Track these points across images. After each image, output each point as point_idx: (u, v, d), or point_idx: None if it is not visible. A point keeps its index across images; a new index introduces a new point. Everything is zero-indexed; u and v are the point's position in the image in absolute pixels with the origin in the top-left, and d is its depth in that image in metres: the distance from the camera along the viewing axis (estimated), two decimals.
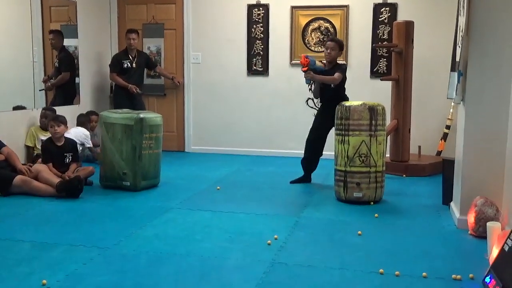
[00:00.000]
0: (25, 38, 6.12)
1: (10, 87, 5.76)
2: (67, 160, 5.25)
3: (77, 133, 6.10)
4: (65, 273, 3.00)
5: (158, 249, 3.43)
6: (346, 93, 5.23)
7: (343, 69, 5.15)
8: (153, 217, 4.16)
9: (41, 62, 6.49)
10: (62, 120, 5.26)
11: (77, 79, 6.85)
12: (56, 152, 5.21)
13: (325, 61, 5.23)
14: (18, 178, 4.75)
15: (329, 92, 5.15)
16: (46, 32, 6.50)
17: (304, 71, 5.02)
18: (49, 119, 5.37)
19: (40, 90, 6.37)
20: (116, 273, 3.05)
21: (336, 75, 5.02)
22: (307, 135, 5.42)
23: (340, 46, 5.19)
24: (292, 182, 5.41)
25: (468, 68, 3.89)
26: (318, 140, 5.33)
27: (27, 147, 5.98)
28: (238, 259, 3.28)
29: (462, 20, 4.02)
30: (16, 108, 5.99)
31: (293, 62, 6.99)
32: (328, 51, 5.15)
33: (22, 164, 5.02)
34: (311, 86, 5.18)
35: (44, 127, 5.89)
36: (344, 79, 5.16)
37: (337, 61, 5.25)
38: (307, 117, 7.05)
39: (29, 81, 6.15)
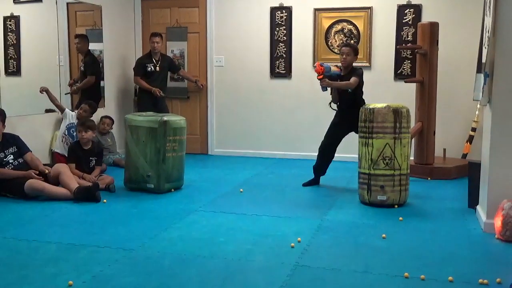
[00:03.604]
0: (51, 42, 6.23)
1: (37, 91, 5.86)
2: (92, 164, 5.32)
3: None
4: (91, 274, 3.04)
5: (182, 251, 3.45)
6: (365, 96, 5.23)
7: (359, 73, 5.12)
8: (177, 219, 4.19)
9: (67, 66, 6.61)
10: (90, 126, 5.32)
11: (102, 83, 6.94)
12: (82, 155, 5.28)
13: (341, 66, 5.23)
14: (27, 184, 4.72)
15: (346, 97, 5.17)
16: (72, 36, 6.61)
17: (319, 79, 5.03)
18: (78, 124, 5.44)
19: (66, 94, 6.47)
20: (141, 274, 3.07)
21: (352, 79, 5.03)
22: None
23: (355, 51, 5.22)
24: (304, 184, 5.43)
25: (494, 69, 3.84)
26: (330, 147, 5.35)
27: (52, 151, 6.05)
28: (262, 262, 3.28)
29: (489, 21, 3.96)
30: (48, 111, 6.09)
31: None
32: (344, 56, 5.16)
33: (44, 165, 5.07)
34: (330, 91, 5.21)
35: (78, 118, 5.91)
36: (361, 84, 5.15)
37: (353, 66, 5.24)
38: (330, 119, 7.02)
39: (55, 85, 6.26)
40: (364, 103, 5.11)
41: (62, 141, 5.90)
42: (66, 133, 5.92)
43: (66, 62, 6.59)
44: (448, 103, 6.49)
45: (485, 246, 3.65)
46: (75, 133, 5.80)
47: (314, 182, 5.46)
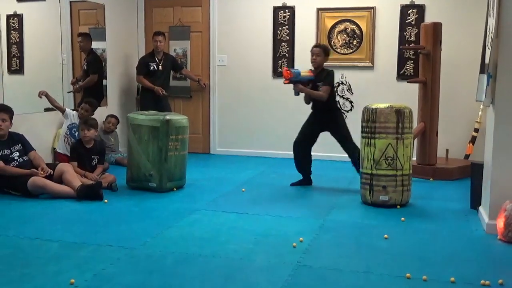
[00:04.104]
0: (54, 41, 6.24)
1: (40, 89, 5.87)
2: (94, 162, 5.33)
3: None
4: (92, 273, 3.04)
5: (184, 250, 3.45)
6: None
7: (330, 77, 5.17)
8: (179, 218, 4.19)
9: (69, 65, 6.62)
10: (92, 124, 5.33)
11: (104, 82, 6.94)
12: (84, 154, 5.29)
13: (312, 68, 5.28)
14: (30, 181, 4.73)
15: (318, 101, 5.24)
16: (75, 35, 6.62)
17: (285, 83, 5.12)
18: (81, 122, 5.44)
19: (68, 92, 6.48)
20: (142, 273, 3.07)
21: (323, 90, 5.10)
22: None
23: (325, 52, 5.24)
24: (292, 184, 5.45)
25: (498, 70, 3.83)
26: (302, 144, 5.40)
27: (54, 149, 6.05)
28: (264, 261, 3.28)
29: (492, 22, 3.95)
30: (48, 109, 6.10)
31: None
32: (314, 57, 5.21)
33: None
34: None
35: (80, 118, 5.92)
36: (332, 88, 5.21)
37: (324, 67, 5.26)
38: None
39: (58, 83, 6.27)
40: (337, 105, 5.27)
41: (64, 141, 5.90)
42: (68, 133, 5.91)
43: (69, 61, 6.60)
44: (451, 103, 6.48)
45: (487, 247, 3.64)
46: (77, 133, 5.80)
47: (303, 182, 5.47)
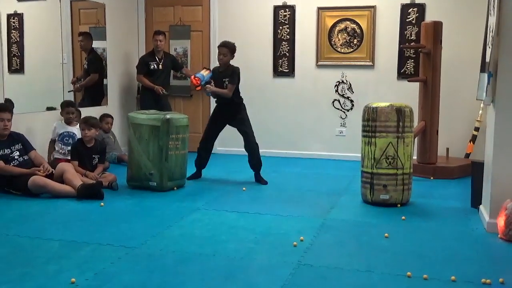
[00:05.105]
0: (55, 40, 6.24)
1: (40, 89, 5.88)
2: (94, 162, 5.33)
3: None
4: (93, 272, 3.04)
5: (184, 249, 3.45)
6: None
7: (235, 74, 5.44)
8: (179, 217, 4.19)
9: (70, 64, 6.62)
10: (93, 124, 5.32)
11: (105, 81, 6.95)
12: (85, 153, 5.29)
13: (209, 67, 5.58)
14: (31, 180, 4.73)
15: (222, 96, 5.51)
16: (76, 34, 6.62)
17: (198, 90, 5.53)
18: (82, 122, 5.42)
19: (69, 91, 6.48)
20: (143, 272, 3.07)
21: (228, 88, 5.40)
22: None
23: (232, 51, 5.47)
24: (188, 178, 5.56)
25: (498, 68, 3.83)
26: (210, 142, 5.68)
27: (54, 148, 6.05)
28: (264, 260, 3.28)
29: (493, 20, 3.95)
30: (50, 108, 6.09)
31: (320, 63, 6.97)
32: (221, 56, 5.44)
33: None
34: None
35: (68, 122, 5.91)
36: (237, 84, 5.48)
37: (230, 64, 5.50)
38: (332, 118, 7.06)
39: (58, 82, 6.27)
40: (242, 100, 5.55)
41: (59, 152, 5.86)
42: (61, 145, 5.86)
43: (70, 60, 6.60)
44: (451, 102, 6.48)
45: (488, 246, 3.64)
46: (70, 140, 5.77)
47: (197, 175, 5.69)
